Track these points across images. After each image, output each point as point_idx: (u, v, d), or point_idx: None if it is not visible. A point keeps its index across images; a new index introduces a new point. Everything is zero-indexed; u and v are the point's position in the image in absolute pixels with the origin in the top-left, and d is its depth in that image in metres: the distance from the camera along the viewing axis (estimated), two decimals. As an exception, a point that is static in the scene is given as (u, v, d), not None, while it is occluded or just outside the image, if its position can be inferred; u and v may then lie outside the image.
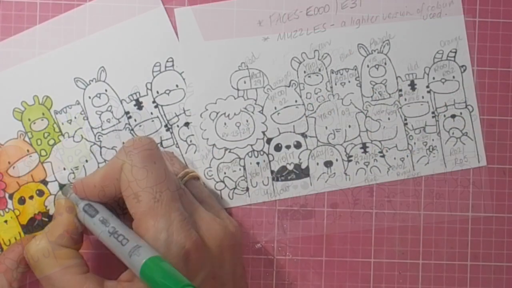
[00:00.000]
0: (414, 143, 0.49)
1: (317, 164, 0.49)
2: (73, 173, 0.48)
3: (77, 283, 0.39)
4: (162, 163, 0.41)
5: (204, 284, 0.39)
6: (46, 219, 0.48)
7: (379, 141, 0.49)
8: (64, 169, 0.48)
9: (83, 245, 0.44)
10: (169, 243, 0.39)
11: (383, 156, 0.49)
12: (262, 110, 0.49)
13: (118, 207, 0.43)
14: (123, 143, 0.48)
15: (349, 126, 0.49)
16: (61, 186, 0.46)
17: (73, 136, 0.48)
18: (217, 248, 0.42)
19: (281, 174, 0.49)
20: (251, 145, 0.49)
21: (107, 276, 0.41)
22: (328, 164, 0.49)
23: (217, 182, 0.49)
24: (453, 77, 0.50)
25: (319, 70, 0.49)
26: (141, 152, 0.40)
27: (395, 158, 0.49)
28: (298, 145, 0.49)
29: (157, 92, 0.49)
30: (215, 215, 0.43)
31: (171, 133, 0.49)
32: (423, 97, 0.50)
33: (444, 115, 0.50)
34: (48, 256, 0.40)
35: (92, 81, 0.48)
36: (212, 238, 0.41)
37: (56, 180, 0.48)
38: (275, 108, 0.49)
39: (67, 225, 0.42)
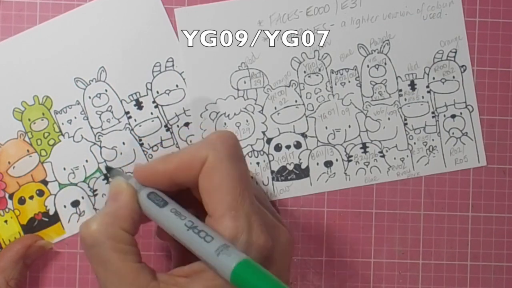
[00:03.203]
0: (414, 143, 0.49)
1: (317, 164, 0.49)
2: (73, 173, 0.48)
3: (133, 272, 0.37)
4: (244, 160, 0.39)
5: None
6: (46, 219, 0.48)
7: (379, 141, 0.49)
8: (64, 169, 0.48)
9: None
10: (249, 245, 0.37)
11: (383, 156, 0.49)
12: (262, 110, 0.49)
13: (180, 200, 0.40)
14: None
15: (349, 126, 0.49)
16: (109, 169, 0.44)
17: (73, 136, 0.48)
18: (282, 255, 0.40)
19: (281, 174, 0.49)
20: (251, 145, 0.49)
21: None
22: (328, 164, 0.49)
23: (217, 182, 0.49)
24: (453, 77, 0.50)
25: (319, 70, 0.49)
26: (228, 147, 0.38)
27: (395, 158, 0.49)
28: (298, 145, 0.49)
29: (157, 92, 0.49)
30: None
31: (171, 133, 0.49)
32: (423, 97, 0.50)
33: (444, 115, 0.50)
34: (107, 239, 0.37)
35: (92, 81, 0.48)
36: (282, 245, 0.40)
37: (56, 180, 0.48)
38: (275, 108, 0.49)
39: (130, 209, 0.39)
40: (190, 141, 0.49)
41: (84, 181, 0.48)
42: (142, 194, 0.39)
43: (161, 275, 0.38)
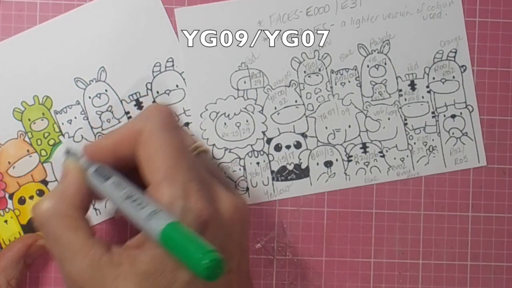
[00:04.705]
0: (414, 143, 0.49)
1: (317, 164, 0.49)
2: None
3: (85, 246, 0.38)
4: (180, 131, 0.40)
5: None
6: (46, 219, 0.48)
7: (379, 141, 0.49)
8: (64, 169, 0.48)
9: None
10: (185, 211, 0.37)
11: (383, 156, 0.49)
12: (262, 110, 0.49)
13: (125, 173, 0.42)
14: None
15: (349, 126, 0.49)
16: (67, 150, 0.45)
17: (73, 136, 0.48)
18: (229, 222, 0.41)
19: (281, 174, 0.49)
20: (251, 145, 0.49)
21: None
22: (328, 164, 0.49)
23: (217, 182, 0.49)
24: (453, 77, 0.50)
25: (319, 70, 0.49)
26: (162, 119, 0.40)
27: (395, 158, 0.49)
28: (298, 145, 0.49)
29: (157, 92, 0.49)
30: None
31: (171, 133, 0.49)
32: (423, 97, 0.50)
33: (444, 115, 0.50)
34: (57, 217, 0.39)
35: (92, 81, 0.48)
36: (225, 211, 0.40)
37: (56, 180, 0.48)
38: (275, 108, 0.49)
39: (77, 186, 0.41)
40: (190, 141, 0.49)
41: (84, 181, 0.48)
42: (90, 170, 0.41)
43: (116, 247, 0.39)
